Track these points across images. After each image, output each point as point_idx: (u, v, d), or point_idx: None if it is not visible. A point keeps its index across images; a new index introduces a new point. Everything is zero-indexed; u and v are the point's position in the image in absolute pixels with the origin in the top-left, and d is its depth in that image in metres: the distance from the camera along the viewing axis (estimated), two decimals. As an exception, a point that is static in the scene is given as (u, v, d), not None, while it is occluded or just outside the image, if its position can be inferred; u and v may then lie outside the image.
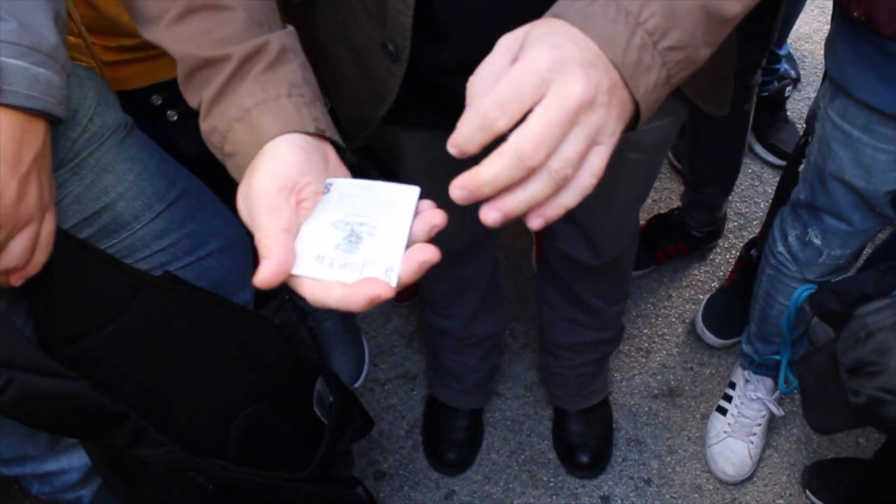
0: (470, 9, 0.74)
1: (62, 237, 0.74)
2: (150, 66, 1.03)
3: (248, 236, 1.06)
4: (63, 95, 0.69)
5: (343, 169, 0.62)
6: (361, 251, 0.55)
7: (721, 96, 0.91)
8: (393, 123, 0.88)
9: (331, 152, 0.62)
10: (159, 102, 1.06)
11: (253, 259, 1.10)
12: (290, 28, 0.65)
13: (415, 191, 0.58)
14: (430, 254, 0.54)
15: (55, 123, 0.70)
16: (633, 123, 0.56)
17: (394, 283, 0.53)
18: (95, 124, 0.85)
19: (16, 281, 0.71)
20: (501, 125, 0.49)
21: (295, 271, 0.54)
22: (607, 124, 0.52)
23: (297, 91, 0.60)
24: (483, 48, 0.75)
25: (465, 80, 0.78)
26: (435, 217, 0.57)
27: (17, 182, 0.66)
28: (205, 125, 0.61)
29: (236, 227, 1.04)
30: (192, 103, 0.64)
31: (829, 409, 0.95)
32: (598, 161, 0.52)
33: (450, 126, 0.88)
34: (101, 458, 0.82)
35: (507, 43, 0.54)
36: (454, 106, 0.85)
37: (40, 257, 0.71)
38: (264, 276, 0.52)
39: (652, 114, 0.57)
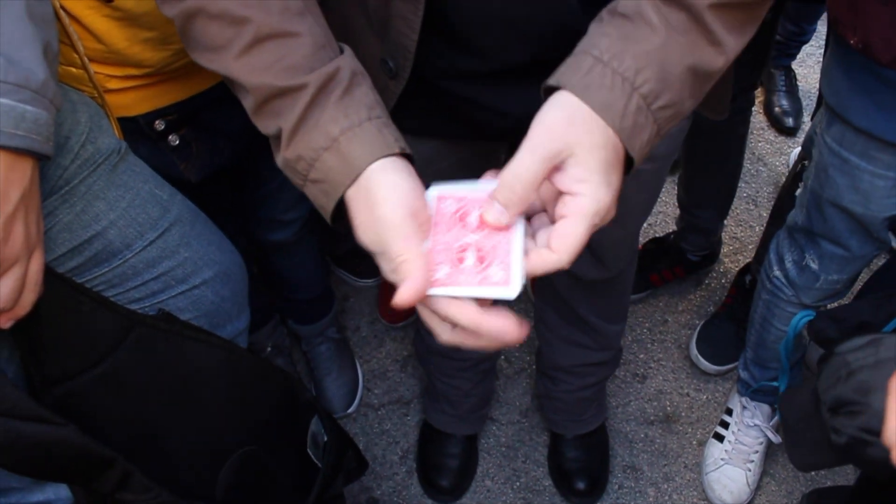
0: (481, 16, 0.74)
1: (51, 276, 0.72)
2: (154, 91, 1.02)
3: (245, 263, 1.06)
4: (51, 132, 0.67)
5: (418, 181, 0.64)
6: (487, 264, 0.59)
7: (720, 101, 0.92)
8: None
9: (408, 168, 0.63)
10: (162, 127, 1.05)
11: (251, 286, 1.09)
12: (348, 48, 0.66)
13: None
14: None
15: (42, 160, 0.68)
16: (626, 171, 0.62)
17: (516, 292, 0.58)
18: (87, 151, 0.84)
19: (4, 323, 0.69)
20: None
21: (430, 292, 0.58)
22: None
23: (375, 113, 0.62)
24: (494, 54, 0.76)
25: (473, 85, 0.79)
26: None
27: (3, 222, 0.64)
28: (288, 153, 0.62)
29: (232, 255, 1.02)
30: (266, 131, 0.64)
31: (811, 447, 0.94)
32: None
33: (452, 135, 0.89)
34: (85, 498, 0.79)
35: (540, 155, 0.58)
36: (456, 114, 0.85)
37: (29, 297, 0.69)
38: (406, 295, 0.56)
39: (643, 160, 0.62)
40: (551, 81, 0.61)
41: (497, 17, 0.74)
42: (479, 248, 0.60)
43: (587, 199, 0.57)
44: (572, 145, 0.57)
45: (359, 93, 0.63)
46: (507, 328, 0.57)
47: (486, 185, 0.62)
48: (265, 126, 0.64)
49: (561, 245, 0.58)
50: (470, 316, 0.57)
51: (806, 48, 2.48)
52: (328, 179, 0.60)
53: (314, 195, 0.63)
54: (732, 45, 0.62)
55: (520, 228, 0.60)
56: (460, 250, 0.60)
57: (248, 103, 0.64)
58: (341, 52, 0.65)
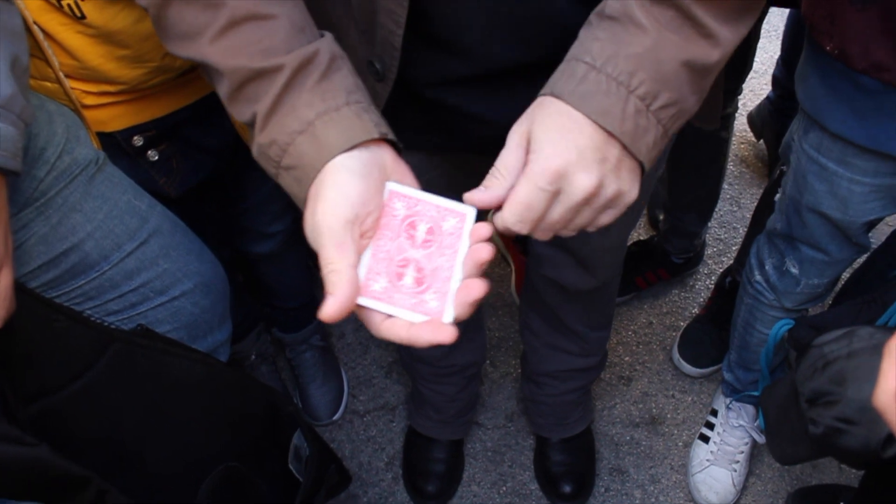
0: (464, 11, 0.73)
1: (23, 293, 0.72)
2: (131, 107, 1.01)
3: (230, 272, 1.05)
4: (18, 147, 0.66)
5: (403, 165, 0.64)
6: (425, 287, 0.59)
7: (711, 110, 0.92)
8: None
9: (388, 154, 0.62)
10: (140, 143, 1.04)
11: (235, 294, 1.08)
12: (328, 34, 0.65)
13: (469, 213, 0.62)
14: (480, 290, 0.58)
15: (10, 175, 0.68)
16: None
17: (450, 320, 0.58)
18: (64, 162, 0.83)
19: None
20: (523, 231, 0.60)
21: (362, 302, 0.58)
22: (621, 194, 0.61)
23: (354, 98, 0.61)
24: (479, 55, 0.75)
25: (460, 92, 0.79)
26: (483, 252, 0.60)
27: None
28: (262, 137, 0.61)
29: (213, 265, 1.01)
30: (241, 117, 0.63)
31: (791, 439, 0.95)
32: (606, 219, 0.64)
33: (443, 147, 0.87)
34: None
35: (516, 140, 0.60)
36: (443, 125, 0.85)
37: None
38: (330, 311, 0.55)
39: (655, 162, 0.62)
40: (545, 92, 0.61)
41: (480, 12, 0.72)
42: (420, 268, 0.60)
43: (533, 163, 0.59)
44: (533, 122, 0.60)
45: (338, 76, 0.61)
46: (437, 338, 0.57)
47: (446, 200, 0.62)
48: (240, 112, 0.62)
49: (508, 205, 0.59)
50: (400, 333, 0.58)
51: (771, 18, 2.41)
52: (301, 165, 0.59)
53: (287, 184, 0.62)
54: (727, 36, 0.61)
55: (462, 253, 0.60)
56: (401, 264, 0.60)
57: (223, 89, 0.63)
58: (321, 36, 0.64)
